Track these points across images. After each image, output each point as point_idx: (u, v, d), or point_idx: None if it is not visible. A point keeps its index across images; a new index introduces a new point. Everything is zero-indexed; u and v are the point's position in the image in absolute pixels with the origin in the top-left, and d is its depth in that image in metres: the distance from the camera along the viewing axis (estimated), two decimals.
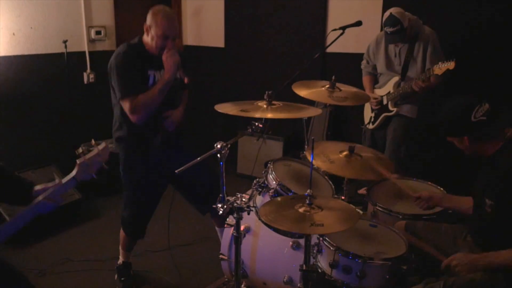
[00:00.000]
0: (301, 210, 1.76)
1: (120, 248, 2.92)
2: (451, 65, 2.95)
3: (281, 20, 4.53)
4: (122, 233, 2.84)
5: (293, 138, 4.42)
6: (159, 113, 2.56)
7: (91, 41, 4.36)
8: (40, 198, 1.64)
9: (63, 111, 4.19)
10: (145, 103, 2.38)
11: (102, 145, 1.76)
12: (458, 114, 1.93)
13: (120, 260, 2.94)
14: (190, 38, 5.27)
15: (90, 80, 4.38)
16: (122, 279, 2.89)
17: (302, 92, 2.40)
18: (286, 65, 4.48)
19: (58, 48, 4.09)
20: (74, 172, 1.69)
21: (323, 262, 2.07)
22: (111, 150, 4.25)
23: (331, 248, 2.01)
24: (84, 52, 4.32)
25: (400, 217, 2.32)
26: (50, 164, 3.84)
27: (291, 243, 2.25)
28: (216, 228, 2.94)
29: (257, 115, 1.96)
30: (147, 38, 2.51)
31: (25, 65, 3.91)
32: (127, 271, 2.92)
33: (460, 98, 1.97)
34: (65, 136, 4.20)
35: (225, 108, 2.05)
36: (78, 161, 1.68)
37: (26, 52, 3.91)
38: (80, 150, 1.69)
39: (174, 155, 2.63)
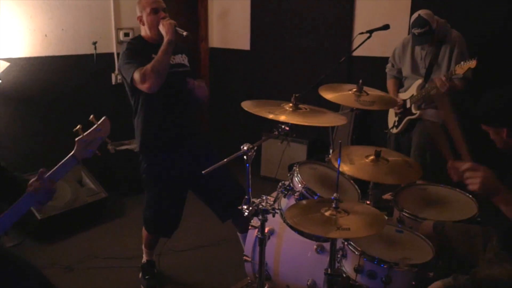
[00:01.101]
0: (327, 213, 1.76)
1: (143, 246, 2.97)
2: (472, 63, 2.90)
3: (307, 23, 4.53)
4: (144, 231, 2.89)
5: (317, 141, 4.41)
6: (170, 111, 2.60)
7: (119, 42, 4.44)
8: (29, 188, 1.60)
9: (91, 111, 4.25)
10: (153, 67, 2.37)
11: (101, 120, 1.68)
12: (505, 104, 1.84)
13: (144, 259, 2.99)
14: (216, 40, 5.32)
15: (118, 81, 4.46)
16: (146, 277, 2.93)
17: (329, 96, 2.39)
18: (311, 68, 4.47)
19: (88, 50, 4.18)
20: (73, 151, 1.64)
21: (347, 267, 2.06)
22: (136, 150, 4.30)
23: (356, 252, 2.00)
24: (112, 54, 4.41)
25: None
26: (78, 163, 3.92)
27: (315, 246, 2.25)
28: (238, 234, 2.94)
29: (283, 119, 1.96)
30: (144, 31, 2.62)
31: (56, 66, 4.01)
32: (151, 270, 2.96)
33: (507, 88, 1.88)
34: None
35: (251, 107, 2.06)
36: (76, 139, 1.63)
37: (57, 53, 4.01)
38: (78, 126, 1.63)
39: (196, 157, 2.66)
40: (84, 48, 4.17)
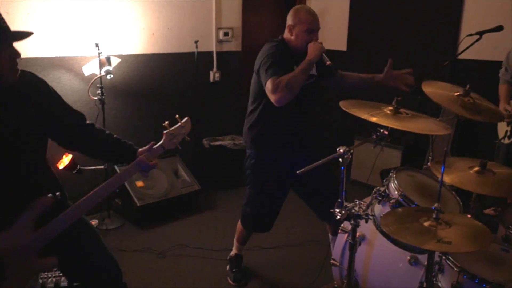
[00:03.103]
0: (426, 224, 1.66)
1: (235, 240, 3.03)
2: None
3: (408, 23, 4.33)
4: (239, 225, 2.93)
5: (413, 147, 4.20)
6: (290, 120, 2.60)
7: (219, 41, 4.60)
8: (141, 157, 1.86)
9: (190, 107, 4.47)
10: (288, 81, 2.34)
11: (185, 119, 1.96)
12: None
13: (233, 252, 3.05)
14: None
15: (216, 79, 4.62)
16: (234, 270, 2.99)
17: (430, 90, 2.22)
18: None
19: (190, 48, 4.38)
20: (161, 141, 1.90)
21: (444, 283, 1.93)
22: (232, 148, 4.40)
23: (455, 268, 1.87)
24: (212, 52, 4.58)
25: None
26: (174, 155, 4.16)
27: (408, 257, 2.14)
28: (330, 235, 2.90)
29: (383, 123, 1.89)
30: (289, 37, 2.58)
31: (160, 63, 4.25)
32: (238, 264, 3.02)
33: None
34: (191, 131, 4.48)
35: (349, 106, 2.01)
36: (164, 132, 1.89)
37: (162, 51, 4.25)
38: (166, 122, 1.89)
39: (301, 158, 2.64)
40: (187, 46, 4.37)
